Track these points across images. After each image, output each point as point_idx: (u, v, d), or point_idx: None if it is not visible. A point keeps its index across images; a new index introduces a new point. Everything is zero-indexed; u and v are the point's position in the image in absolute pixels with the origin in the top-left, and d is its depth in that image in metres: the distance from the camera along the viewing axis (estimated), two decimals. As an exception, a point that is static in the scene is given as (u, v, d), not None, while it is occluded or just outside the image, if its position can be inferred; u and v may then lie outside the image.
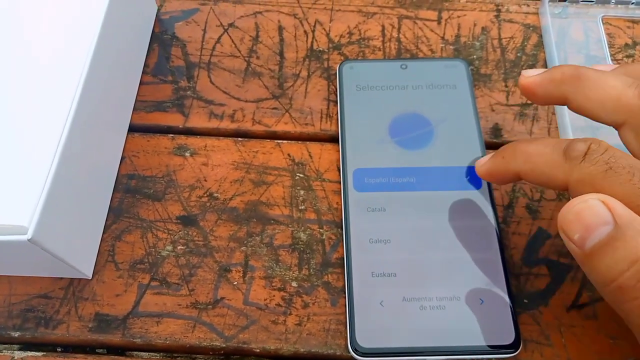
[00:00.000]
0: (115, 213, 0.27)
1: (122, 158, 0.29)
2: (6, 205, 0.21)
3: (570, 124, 0.29)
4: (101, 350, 0.24)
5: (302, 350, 0.24)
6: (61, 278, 0.26)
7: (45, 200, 0.21)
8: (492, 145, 0.29)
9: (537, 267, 0.26)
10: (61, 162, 0.22)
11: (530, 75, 0.23)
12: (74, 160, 0.23)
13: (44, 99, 0.23)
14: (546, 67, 0.31)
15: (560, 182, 0.20)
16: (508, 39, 0.33)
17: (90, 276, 0.25)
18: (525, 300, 0.25)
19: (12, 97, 0.23)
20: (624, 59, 0.32)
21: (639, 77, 0.21)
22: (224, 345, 0.24)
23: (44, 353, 0.24)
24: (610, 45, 0.32)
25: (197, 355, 0.24)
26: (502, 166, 0.23)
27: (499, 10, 0.34)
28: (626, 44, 0.32)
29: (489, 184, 0.27)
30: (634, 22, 0.33)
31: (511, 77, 0.31)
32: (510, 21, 0.33)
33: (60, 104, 0.23)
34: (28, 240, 0.20)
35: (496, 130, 0.30)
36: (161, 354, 0.24)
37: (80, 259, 0.25)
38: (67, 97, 0.23)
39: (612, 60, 0.31)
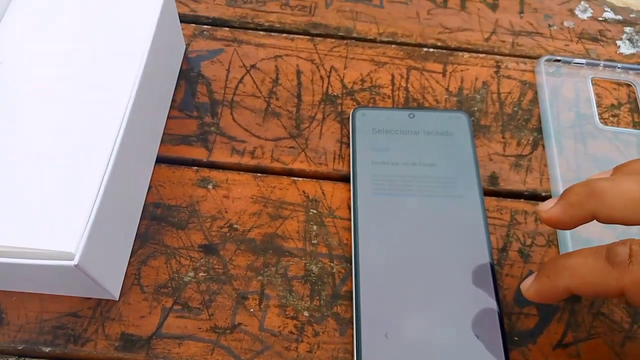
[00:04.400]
0: (142, 239, 0.29)
1: (149, 187, 0.31)
2: (55, 231, 0.23)
3: (561, 175, 0.32)
4: (125, 367, 0.26)
5: (312, 375, 0.26)
6: (89, 298, 0.27)
7: (90, 229, 0.23)
8: (489, 192, 0.32)
9: (527, 307, 0.28)
10: (106, 192, 0.24)
11: (548, 209, 0.24)
12: (115, 191, 0.25)
13: (93, 132, 0.26)
14: (540, 122, 0.35)
15: (613, 289, 0.21)
16: (506, 94, 0.36)
17: (117, 298, 0.27)
18: (516, 338, 0.28)
19: (64, 130, 0.26)
20: (610, 117, 0.35)
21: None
22: (241, 368, 0.26)
23: (72, 368, 0.26)
24: (598, 105, 0.35)
25: (214, 376, 0.26)
26: (549, 285, 0.23)
27: (498, 67, 0.37)
28: (612, 104, 0.35)
29: (485, 226, 0.30)
30: (619, 84, 0.36)
31: (508, 130, 0.34)
32: (509, 77, 0.36)
33: (107, 137, 0.25)
34: (75, 265, 0.22)
35: (493, 178, 0.32)
36: (181, 373, 0.26)
37: (112, 281, 0.27)
38: (113, 130, 0.26)
39: (599, 118, 0.34)
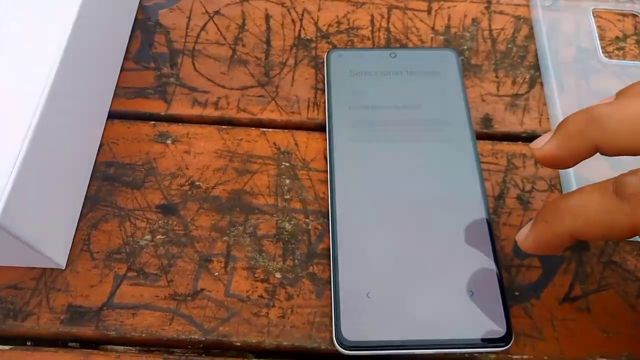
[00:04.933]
0: (92, 201, 0.26)
1: (101, 145, 0.28)
2: (-28, 186, 0.20)
3: (562, 114, 0.29)
4: (74, 343, 0.23)
5: (285, 343, 0.23)
6: (33, 268, 0.24)
7: (13, 185, 0.20)
8: (482, 135, 0.29)
9: (528, 259, 0.25)
10: (32, 146, 0.21)
11: (542, 146, 0.20)
12: (46, 145, 0.22)
13: (18, 79, 0.22)
14: (537, 59, 0.31)
15: (626, 226, 0.17)
16: (499, 30, 0.32)
17: (63, 266, 0.24)
18: (517, 293, 0.24)
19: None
20: (615, 51, 0.31)
21: None
22: (203, 339, 0.23)
23: (12, 346, 0.23)
24: (601, 38, 0.31)
25: (175, 349, 0.23)
26: (549, 232, 0.19)
27: (489, 2, 0.33)
28: (617, 37, 0.32)
29: (479, 171, 0.26)
30: (624, 15, 0.33)
31: (502, 68, 0.31)
32: (501, 13, 0.33)
33: (34, 85, 0.22)
34: (-6, 222, 0.19)
35: (487, 120, 0.29)
36: (137, 347, 0.23)
37: (53, 247, 0.23)
38: (41, 79, 0.22)
39: (603, 52, 0.31)
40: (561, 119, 0.28)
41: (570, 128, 0.19)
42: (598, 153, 0.19)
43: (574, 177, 0.26)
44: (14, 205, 0.20)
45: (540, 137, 0.20)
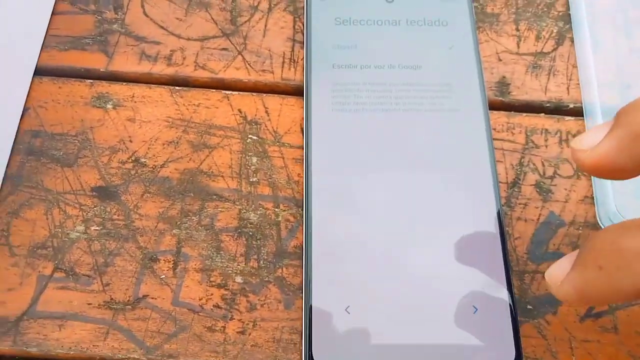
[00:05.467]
0: (13, 181, 0.21)
1: (25, 109, 0.22)
2: None
3: (596, 78, 0.23)
4: (-11, 359, 0.19)
5: (244, 365, 0.19)
6: (-62, 265, 0.20)
7: None
8: (497, 104, 0.23)
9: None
10: None
11: (594, 147, 0.14)
12: None
13: None
14: (568, 8, 0.25)
15: None
16: (523, -30, 0.26)
17: (-26, 264, 0.20)
18: (529, 307, 0.20)
19: None
20: (666, -1, 0.25)
21: None
22: (144, 359, 0.19)
23: None
24: (650, -19, 0.25)
25: (112, 368, 0.19)
26: (605, 284, 0.14)
27: None
28: (669, -19, 0.26)
29: (490, 151, 0.21)
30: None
31: (524, 19, 0.25)
32: (527, -54, 0.26)
33: None
34: None
35: (503, 85, 0.23)
36: (66, 365, 0.19)
37: (-43, 243, 0.19)
38: None
39: (651, 0, 0.25)
40: (594, 87, 0.23)
41: (633, 125, 0.14)
42: None
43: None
44: None
45: (586, 133, 0.15)
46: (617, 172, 0.14)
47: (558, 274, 0.15)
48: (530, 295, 0.20)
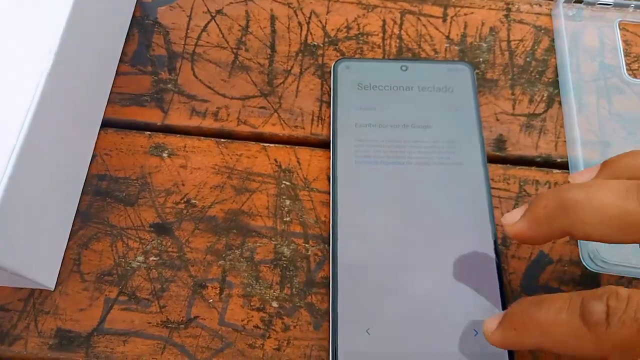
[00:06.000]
0: (83, 218, 0.25)
1: (94, 156, 0.26)
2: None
3: (580, 138, 0.27)
4: (62, 369, 0.22)
5: (279, 378, 0.22)
6: (21, 288, 0.23)
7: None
8: (495, 158, 0.27)
9: (536, 295, 0.24)
10: (17, 169, 0.20)
11: (512, 223, 0.20)
12: (34, 165, 0.21)
13: (4, 86, 0.21)
14: (557, 75, 0.29)
15: (594, 354, 0.17)
16: (517, 42, 0.30)
17: (52, 287, 0.23)
18: (522, 332, 0.23)
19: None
20: (640, 69, 0.29)
21: (627, 175, 0.19)
22: (196, 370, 0.22)
23: (-1, 371, 0.22)
24: (626, 54, 0.30)
25: (166, 379, 0.22)
26: (517, 341, 0.19)
27: (509, 10, 0.31)
28: (643, 53, 0.30)
29: (488, 198, 0.25)
30: (652, 28, 0.31)
31: (519, 84, 0.29)
32: (521, 22, 0.31)
33: (23, 92, 0.21)
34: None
35: (500, 142, 0.27)
36: (127, 375, 0.22)
37: (42, 269, 0.22)
38: (31, 83, 0.21)
39: (627, 70, 0.29)
40: (578, 144, 0.27)
41: (540, 212, 0.19)
42: None
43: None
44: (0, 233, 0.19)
45: (512, 212, 0.20)
46: (530, 241, 0.20)
47: (490, 327, 0.20)
48: (523, 323, 0.23)
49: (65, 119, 0.23)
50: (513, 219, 0.20)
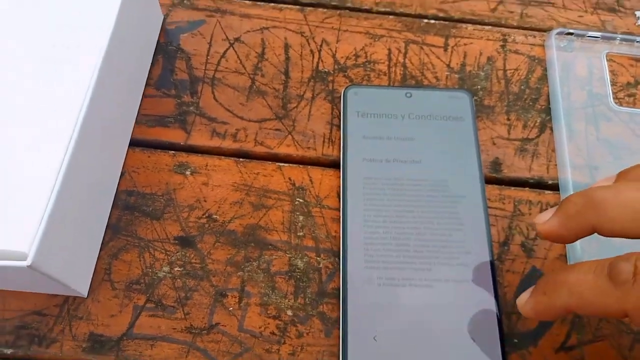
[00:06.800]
0: (113, 230, 0.27)
1: (122, 173, 0.28)
2: (6, 230, 0.21)
3: (570, 162, 0.29)
4: (94, 370, 0.24)
5: (294, 380, 0.24)
6: (56, 295, 0.25)
7: (45, 226, 0.21)
8: (491, 179, 0.29)
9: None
10: (64, 186, 0.22)
11: (545, 221, 0.22)
12: (76, 182, 0.23)
13: (51, 116, 0.23)
14: (549, 103, 0.32)
15: (616, 311, 0.19)
16: (513, 71, 0.33)
17: (85, 295, 0.25)
18: (516, 340, 0.26)
19: (14, 110, 0.23)
20: (626, 97, 0.32)
21: None
22: (217, 372, 0.24)
23: (37, 371, 0.24)
24: (613, 83, 0.32)
25: (190, 380, 0.24)
26: (546, 303, 0.21)
27: (505, 40, 0.34)
28: (628, 83, 0.32)
29: (486, 217, 0.27)
30: (637, 60, 0.33)
31: (513, 110, 0.31)
32: (516, 52, 0.33)
33: (67, 122, 0.23)
34: (28, 266, 0.20)
35: (496, 164, 0.30)
36: (154, 376, 0.24)
37: (77, 278, 0.24)
38: (73, 114, 0.23)
39: (614, 98, 0.32)
40: (568, 167, 0.29)
41: (571, 209, 0.21)
42: None
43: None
44: (45, 247, 0.21)
45: (543, 212, 0.22)
46: (560, 238, 0.21)
47: (523, 299, 0.22)
48: (516, 332, 0.26)
49: (102, 140, 0.25)
50: (544, 217, 0.22)
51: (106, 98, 0.25)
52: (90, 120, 0.24)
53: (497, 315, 0.25)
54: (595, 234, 0.21)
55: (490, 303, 0.25)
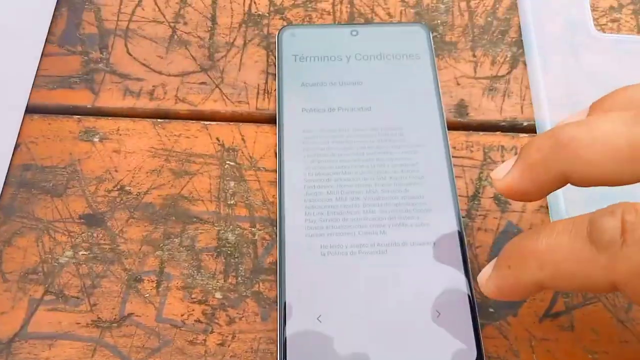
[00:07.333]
0: (5, 212, 0.23)
1: (17, 145, 0.24)
2: None
3: (547, 98, 0.25)
4: (-17, 380, 0.20)
5: (224, 376, 0.20)
6: None
7: None
8: (456, 125, 0.25)
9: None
10: None
11: (503, 176, 0.17)
12: None
13: None
14: (520, 34, 0.27)
15: (602, 281, 0.14)
16: (477, 2, 0.28)
17: (-31, 290, 0.21)
18: (491, 310, 0.21)
19: None
20: (609, 23, 0.27)
21: (628, 106, 0.16)
22: (130, 373, 0.20)
23: None
24: (594, 8, 0.28)
25: (100, 384, 0.20)
26: (511, 280, 0.17)
27: (467, -32, 0.29)
28: (611, 7, 0.28)
29: (449, 168, 0.23)
30: (620, -19, 0.29)
31: (480, 46, 0.27)
32: (481, -20, 0.29)
33: None
34: None
35: (461, 107, 0.25)
36: (57, 382, 0.20)
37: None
38: None
39: (595, 25, 0.27)
40: (545, 105, 0.25)
41: (534, 156, 0.16)
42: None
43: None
44: None
45: (501, 165, 0.18)
46: (524, 195, 0.17)
47: (484, 275, 0.18)
48: (491, 300, 0.21)
49: None
50: (503, 171, 0.17)
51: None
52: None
53: (466, 283, 0.21)
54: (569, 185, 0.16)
55: (458, 268, 0.21)
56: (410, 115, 0.24)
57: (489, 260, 0.22)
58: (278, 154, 0.23)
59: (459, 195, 0.23)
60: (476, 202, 0.23)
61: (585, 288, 0.15)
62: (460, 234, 0.22)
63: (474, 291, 0.21)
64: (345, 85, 0.25)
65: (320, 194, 0.22)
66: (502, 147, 0.24)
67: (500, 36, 0.27)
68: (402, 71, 0.25)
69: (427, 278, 0.21)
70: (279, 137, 0.24)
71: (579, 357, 0.21)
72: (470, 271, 0.21)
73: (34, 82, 0.25)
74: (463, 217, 0.23)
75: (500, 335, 0.21)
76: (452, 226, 0.22)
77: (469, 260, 0.21)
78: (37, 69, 0.26)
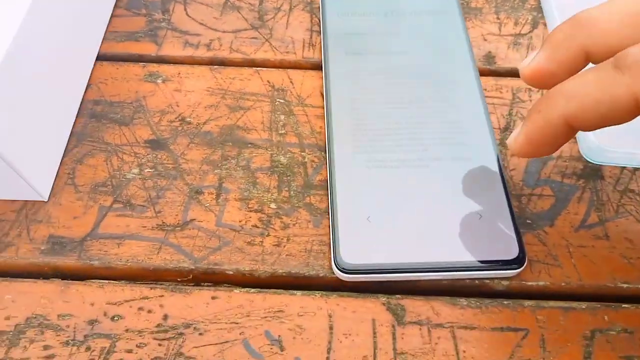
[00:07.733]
0: (78, 137, 0.25)
1: (89, 85, 0.26)
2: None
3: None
4: (54, 277, 0.22)
5: (280, 271, 0.21)
6: (14, 201, 0.23)
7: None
8: (485, 72, 0.27)
9: (539, 189, 0.24)
10: (7, 62, 0.20)
11: (530, 62, 0.18)
12: (24, 74, 0.21)
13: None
14: (539, 1, 0.30)
15: (626, 100, 0.15)
16: (499, -24, 0.31)
17: (46, 198, 0.23)
18: (529, 221, 0.23)
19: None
20: (620, -6, 0.30)
21: None
22: (193, 267, 0.21)
23: (-12, 278, 0.21)
24: (605, -18, 0.31)
25: (163, 282, 0.21)
26: (540, 122, 0.18)
27: (488, -49, 0.33)
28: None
29: (483, 105, 0.25)
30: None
31: (503, 10, 0.30)
32: (501, -40, 0.32)
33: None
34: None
35: (489, 57, 0.28)
36: (122, 281, 0.21)
37: (37, 176, 0.22)
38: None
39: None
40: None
41: (557, 36, 0.18)
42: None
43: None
44: (7, 132, 0.19)
45: (527, 58, 0.19)
46: (547, 77, 0.18)
47: (513, 135, 0.19)
48: (528, 213, 0.23)
49: (57, 47, 0.24)
50: (530, 57, 0.19)
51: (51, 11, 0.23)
52: (30, 29, 0.22)
53: (505, 194, 0.22)
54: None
55: (496, 183, 0.23)
56: (444, 57, 0.26)
57: (523, 181, 0.24)
58: (325, 88, 0.25)
59: (492, 128, 0.25)
60: (508, 133, 0.25)
61: (610, 114, 0.16)
62: (497, 158, 0.23)
63: (512, 202, 0.22)
64: (384, 35, 0.27)
65: (365, 120, 0.24)
66: (530, 89, 0.27)
67: (520, 3, 0.30)
68: (435, 25, 0.28)
69: (467, 187, 0.23)
70: (325, 74, 0.26)
71: (616, 262, 0.22)
72: (507, 187, 0.23)
73: (104, 37, 0.28)
74: (498, 144, 0.24)
75: (539, 242, 0.22)
76: (487, 146, 0.24)
77: (505, 178, 0.23)
78: (107, 28, 0.29)
